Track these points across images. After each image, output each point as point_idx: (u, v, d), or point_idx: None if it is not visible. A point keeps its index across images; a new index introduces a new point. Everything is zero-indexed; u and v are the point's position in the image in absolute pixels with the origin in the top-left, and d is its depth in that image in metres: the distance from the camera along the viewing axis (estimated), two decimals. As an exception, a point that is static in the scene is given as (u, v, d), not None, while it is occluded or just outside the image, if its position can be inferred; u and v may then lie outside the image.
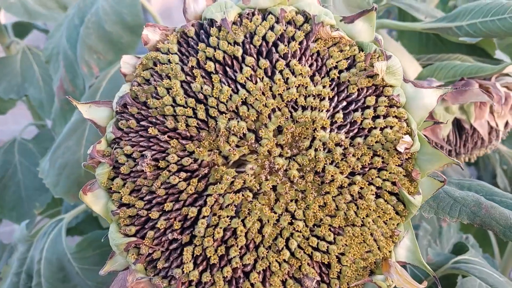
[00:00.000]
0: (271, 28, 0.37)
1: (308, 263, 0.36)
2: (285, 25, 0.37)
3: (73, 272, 0.95)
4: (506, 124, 0.70)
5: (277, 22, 0.37)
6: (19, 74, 1.39)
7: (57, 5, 1.39)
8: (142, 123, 0.36)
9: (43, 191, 1.34)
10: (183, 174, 0.35)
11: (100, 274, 0.36)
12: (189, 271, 0.35)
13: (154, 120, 0.36)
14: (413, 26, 0.76)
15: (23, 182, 1.36)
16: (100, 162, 0.37)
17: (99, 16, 0.95)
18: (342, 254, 0.36)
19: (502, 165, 1.58)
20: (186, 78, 0.36)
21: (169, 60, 0.37)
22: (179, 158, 0.35)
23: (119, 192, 0.36)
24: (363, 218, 0.36)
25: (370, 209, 0.36)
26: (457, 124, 0.70)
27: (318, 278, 0.36)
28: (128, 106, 0.37)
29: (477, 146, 0.72)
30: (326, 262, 0.36)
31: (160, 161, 0.35)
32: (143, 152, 0.36)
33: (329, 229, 0.36)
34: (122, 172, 0.36)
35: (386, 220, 0.37)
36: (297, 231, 0.36)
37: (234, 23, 0.37)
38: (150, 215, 0.36)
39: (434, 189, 0.37)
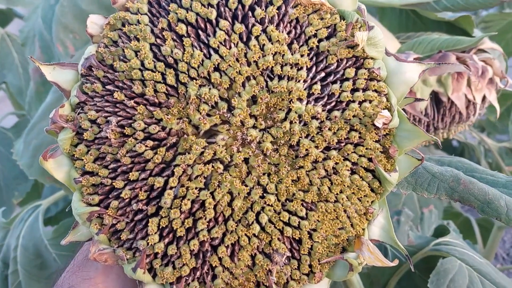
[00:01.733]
0: (248, -9, 0.34)
1: (278, 238, 0.35)
2: (264, -11, 0.35)
3: (50, 258, 0.93)
4: (484, 98, 0.69)
5: (255, -16, 0.35)
6: (-4, 60, 1.34)
7: (36, -10, 1.33)
8: (108, 87, 0.34)
9: (22, 180, 1.31)
10: (150, 143, 0.34)
11: (62, 244, 0.34)
12: (154, 243, 0.34)
13: (120, 84, 0.34)
14: (391, 3, 0.74)
15: (2, 171, 1.32)
16: (63, 128, 0.35)
17: (74, -6, 0.91)
18: (314, 230, 0.35)
19: (487, 159, 1.60)
20: (155, 40, 0.34)
21: (138, 21, 0.35)
22: (146, 126, 0.34)
23: (82, 159, 0.34)
24: (337, 194, 0.35)
25: (345, 185, 0.35)
26: (435, 98, 0.69)
27: (289, 254, 0.35)
28: (93, 68, 0.35)
29: (455, 120, 0.71)
30: (297, 238, 0.35)
31: (126, 128, 0.34)
32: (108, 118, 0.34)
33: (302, 204, 0.35)
34: (85, 138, 0.34)
35: (361, 197, 0.36)
36: (269, 205, 0.34)
37: (209, -16, 0.35)
38: (114, 184, 0.34)
39: (411, 167, 0.36)
